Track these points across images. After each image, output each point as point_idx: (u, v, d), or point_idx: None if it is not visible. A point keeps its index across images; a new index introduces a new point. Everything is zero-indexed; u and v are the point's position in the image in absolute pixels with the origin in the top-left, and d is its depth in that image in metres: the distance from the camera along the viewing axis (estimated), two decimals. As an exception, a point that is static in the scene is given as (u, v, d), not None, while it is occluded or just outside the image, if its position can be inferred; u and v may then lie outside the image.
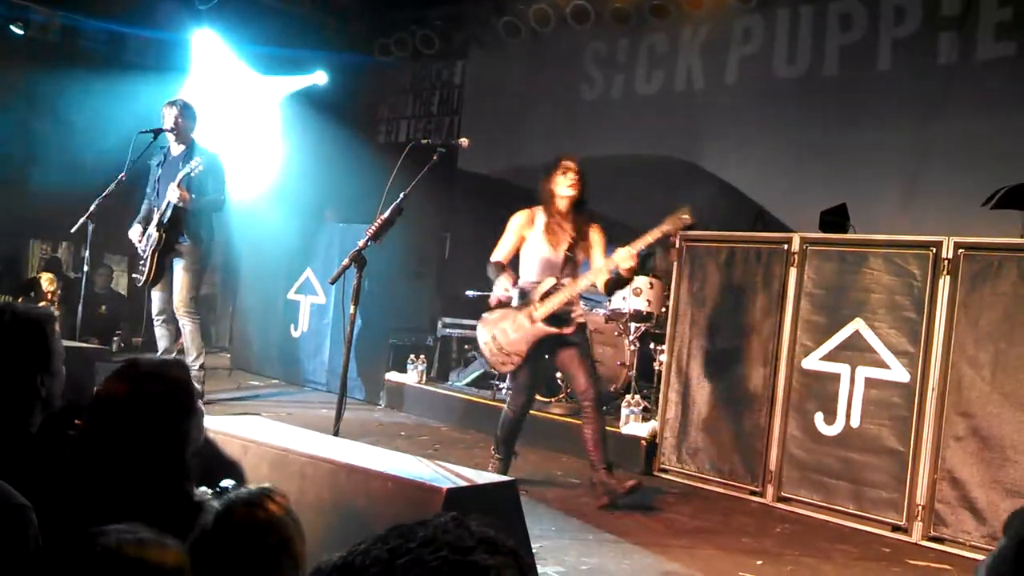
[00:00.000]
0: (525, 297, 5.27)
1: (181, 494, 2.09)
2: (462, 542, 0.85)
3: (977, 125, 7.15)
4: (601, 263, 5.18)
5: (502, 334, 5.24)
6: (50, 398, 2.45)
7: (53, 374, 2.45)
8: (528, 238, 5.33)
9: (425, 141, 5.14)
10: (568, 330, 5.21)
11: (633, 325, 7.14)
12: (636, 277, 7.04)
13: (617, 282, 5.20)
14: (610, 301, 7.26)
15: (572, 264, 5.27)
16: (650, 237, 5.01)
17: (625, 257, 4.92)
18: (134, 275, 7.42)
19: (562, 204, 5.27)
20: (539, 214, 5.33)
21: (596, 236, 5.31)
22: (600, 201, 8.33)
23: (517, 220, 5.36)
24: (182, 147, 7.08)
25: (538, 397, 7.35)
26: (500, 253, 5.36)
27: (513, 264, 5.39)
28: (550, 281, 5.20)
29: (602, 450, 5.22)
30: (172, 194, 6.89)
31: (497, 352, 5.27)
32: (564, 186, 5.23)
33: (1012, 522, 1.36)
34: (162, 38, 9.98)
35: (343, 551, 0.88)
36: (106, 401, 2.17)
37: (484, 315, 5.43)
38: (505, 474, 5.14)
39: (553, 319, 5.15)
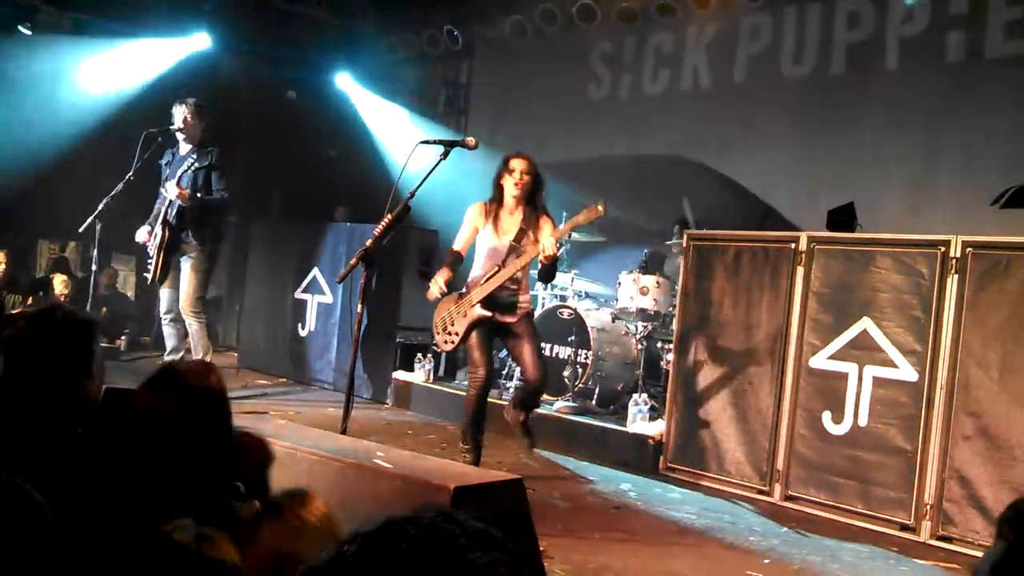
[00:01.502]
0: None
1: (224, 497, 2.09)
2: (455, 540, 0.85)
3: (985, 124, 7.13)
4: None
5: (448, 316, 5.55)
6: (88, 399, 2.45)
7: (93, 377, 2.46)
8: (481, 229, 5.56)
9: (432, 140, 5.14)
10: (510, 319, 5.47)
11: (640, 324, 7.14)
12: (644, 276, 7.07)
13: (546, 270, 5.38)
14: (617, 300, 7.26)
15: (516, 253, 5.41)
16: (567, 227, 5.48)
17: (549, 244, 5.15)
18: (144, 274, 7.45)
19: (510, 201, 5.48)
20: (492, 206, 5.54)
21: (546, 226, 5.44)
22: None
23: (471, 212, 5.60)
24: (190, 146, 7.10)
25: (545, 396, 7.40)
26: (457, 243, 5.64)
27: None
28: (493, 269, 5.45)
29: (525, 423, 5.64)
30: (171, 192, 6.91)
31: (442, 331, 5.59)
32: (510, 185, 5.42)
33: (1007, 521, 1.35)
34: (166, 39, 10.00)
35: (333, 550, 0.87)
36: (150, 413, 2.14)
37: (440, 299, 5.61)
38: (477, 465, 5.27)
39: (494, 305, 5.42)
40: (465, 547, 0.84)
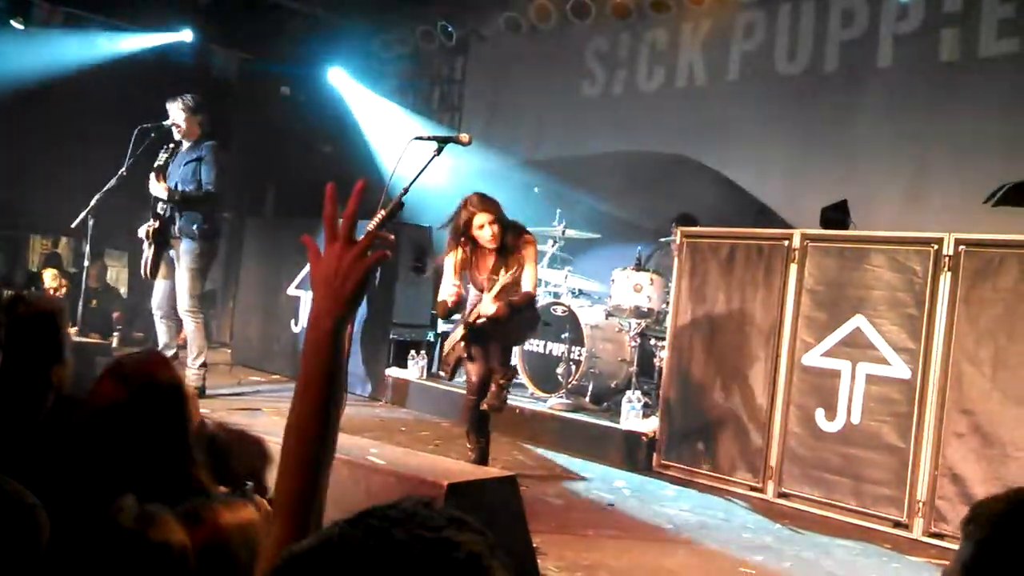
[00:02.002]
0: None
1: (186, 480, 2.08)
2: (432, 521, 0.88)
3: (978, 122, 7.14)
4: (525, 281, 5.30)
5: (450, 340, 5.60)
6: (60, 387, 2.47)
7: (64, 364, 2.48)
8: (464, 273, 5.39)
9: (425, 136, 5.12)
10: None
11: (634, 321, 7.13)
12: (638, 273, 7.05)
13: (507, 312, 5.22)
14: (611, 297, 7.26)
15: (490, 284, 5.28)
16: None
17: (487, 307, 5.13)
18: (141, 268, 7.42)
19: (487, 246, 5.30)
20: (465, 249, 5.34)
21: (528, 251, 5.33)
22: (601, 197, 8.35)
23: (449, 263, 5.36)
24: (189, 143, 7.07)
25: (539, 393, 7.41)
26: (443, 293, 5.38)
27: None
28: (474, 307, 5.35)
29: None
30: (152, 186, 6.89)
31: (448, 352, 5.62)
32: (486, 239, 5.23)
33: (971, 523, 1.35)
34: (161, 35, 9.99)
35: (315, 535, 0.90)
36: (102, 406, 2.13)
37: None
38: (483, 464, 5.24)
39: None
40: (441, 527, 0.88)
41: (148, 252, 7.01)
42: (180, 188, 6.92)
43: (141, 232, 7.11)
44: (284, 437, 1.49)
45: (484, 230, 5.19)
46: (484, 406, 5.35)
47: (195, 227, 6.98)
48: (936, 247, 5.06)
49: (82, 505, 1.70)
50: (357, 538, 0.86)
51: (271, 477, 2.31)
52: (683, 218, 7.55)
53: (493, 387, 5.35)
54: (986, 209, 6.35)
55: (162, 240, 6.99)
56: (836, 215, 6.27)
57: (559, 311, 7.52)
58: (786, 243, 5.73)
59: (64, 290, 9.27)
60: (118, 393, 2.05)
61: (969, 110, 7.23)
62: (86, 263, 7.41)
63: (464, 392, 5.65)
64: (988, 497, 1.37)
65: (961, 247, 4.97)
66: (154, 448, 2.05)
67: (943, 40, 7.47)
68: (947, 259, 5.00)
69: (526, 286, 5.29)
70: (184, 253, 6.98)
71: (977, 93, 7.23)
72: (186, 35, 10.22)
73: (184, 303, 6.99)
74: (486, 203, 5.23)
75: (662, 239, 7.97)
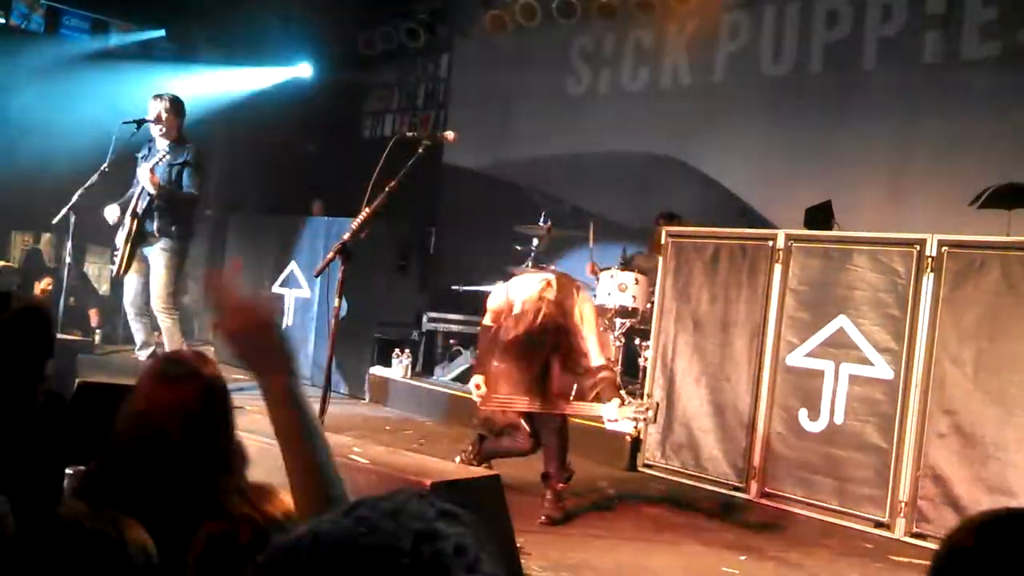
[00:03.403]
0: None
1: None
2: (424, 513, 0.88)
3: (962, 124, 7.18)
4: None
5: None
6: (47, 379, 2.50)
7: (53, 358, 2.51)
8: None
9: (411, 135, 5.12)
10: None
11: (619, 321, 7.13)
12: (623, 273, 7.04)
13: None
14: (596, 296, 7.25)
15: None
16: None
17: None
18: (111, 266, 7.35)
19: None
20: None
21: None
22: (585, 196, 8.34)
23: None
24: (167, 141, 7.01)
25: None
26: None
27: None
28: None
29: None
30: (143, 177, 6.83)
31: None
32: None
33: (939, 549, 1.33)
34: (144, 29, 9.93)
35: (306, 525, 0.90)
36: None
37: None
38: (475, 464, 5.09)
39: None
40: (432, 519, 0.87)
41: (124, 249, 6.96)
42: (166, 188, 6.87)
43: (109, 215, 6.97)
44: (291, 491, 1.50)
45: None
46: (543, 518, 4.78)
47: (173, 227, 6.94)
48: (919, 248, 5.08)
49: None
50: (347, 528, 0.86)
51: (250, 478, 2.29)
52: (667, 215, 7.57)
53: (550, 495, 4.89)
54: (968, 210, 6.39)
55: (138, 237, 6.93)
56: (820, 216, 6.30)
57: (543, 310, 7.49)
58: (770, 243, 5.75)
59: (43, 291, 9.20)
60: (192, 393, 2.03)
61: (952, 112, 7.26)
62: (68, 260, 7.34)
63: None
64: (953, 529, 1.34)
65: (944, 248, 4.99)
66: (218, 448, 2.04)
67: (927, 42, 7.51)
68: (930, 260, 5.02)
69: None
70: (160, 251, 6.93)
71: (960, 95, 7.26)
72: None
73: (159, 301, 6.93)
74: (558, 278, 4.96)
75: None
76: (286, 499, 1.77)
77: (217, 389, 2.10)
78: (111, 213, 7.01)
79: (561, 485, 4.86)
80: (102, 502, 1.76)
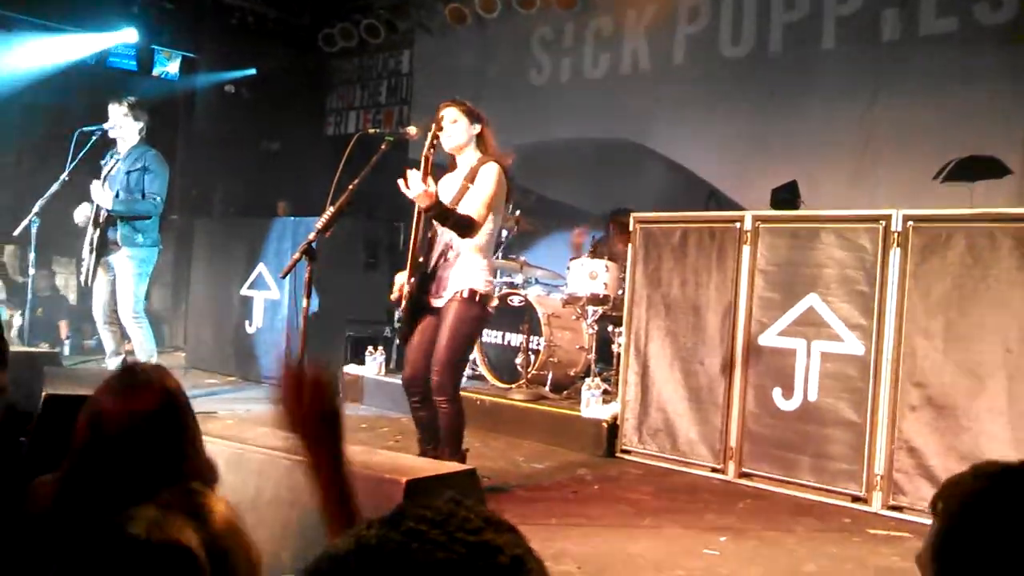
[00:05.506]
0: None
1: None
2: (470, 523, 0.88)
3: (922, 100, 7.24)
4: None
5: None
6: (3, 392, 2.46)
7: (7, 367, 2.46)
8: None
9: (373, 131, 5.09)
10: (436, 301, 4.82)
11: (591, 308, 7.14)
12: (593, 260, 7.06)
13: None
14: (567, 285, 7.25)
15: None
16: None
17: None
18: (79, 276, 7.26)
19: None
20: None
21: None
22: (551, 185, 8.34)
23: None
24: (128, 146, 6.92)
25: (499, 384, 7.40)
26: None
27: None
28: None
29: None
30: (95, 194, 6.74)
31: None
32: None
33: (940, 500, 1.36)
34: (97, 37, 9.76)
35: (351, 534, 0.89)
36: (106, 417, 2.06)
37: None
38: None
39: (422, 281, 4.87)
40: (480, 528, 0.88)
41: (90, 260, 6.87)
42: (123, 196, 6.77)
43: (78, 216, 6.89)
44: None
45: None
46: None
47: (137, 235, 6.84)
48: (884, 224, 5.11)
49: (96, 516, 1.67)
50: (397, 541, 0.85)
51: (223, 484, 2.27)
52: (619, 211, 7.59)
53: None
54: (932, 185, 6.46)
55: (101, 247, 6.83)
56: (786, 196, 6.33)
57: (516, 301, 7.50)
58: (738, 225, 5.77)
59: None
60: (148, 403, 2.01)
61: (913, 88, 7.33)
62: (31, 271, 7.24)
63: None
64: (957, 474, 1.37)
65: (909, 223, 5.03)
66: (174, 453, 2.02)
67: (884, 20, 7.56)
68: (896, 235, 5.06)
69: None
70: (125, 260, 6.83)
71: (919, 71, 7.33)
72: (129, 35, 10.01)
73: (126, 311, 6.82)
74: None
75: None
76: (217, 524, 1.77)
77: (173, 400, 2.08)
78: (80, 213, 6.90)
79: None
80: (68, 511, 1.75)
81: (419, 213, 4.70)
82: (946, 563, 1.29)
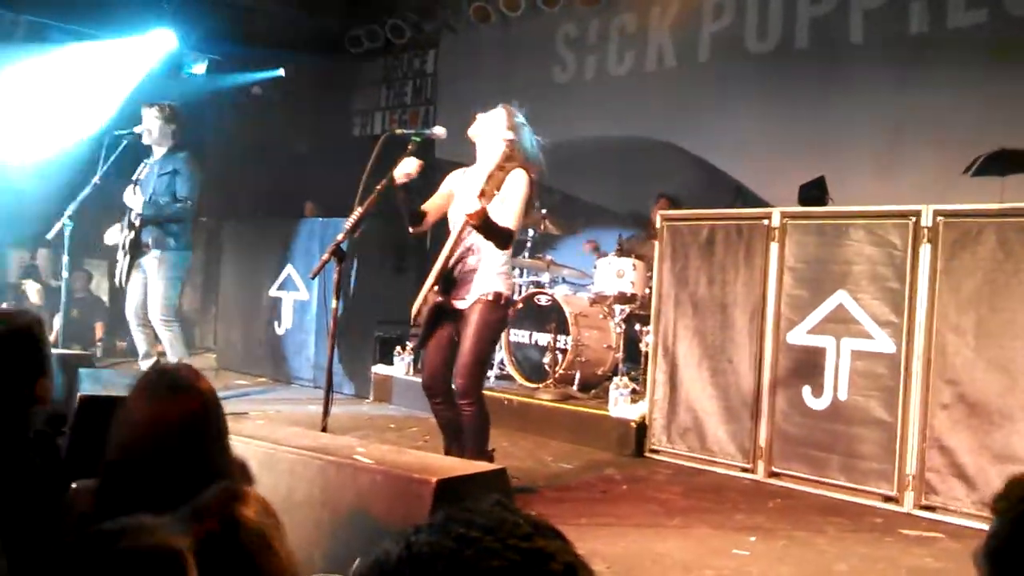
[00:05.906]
0: None
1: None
2: (519, 529, 0.87)
3: (951, 93, 7.15)
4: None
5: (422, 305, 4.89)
6: (45, 400, 2.47)
7: (48, 377, 2.47)
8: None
9: (401, 131, 5.10)
10: (460, 303, 4.75)
11: (618, 307, 7.13)
12: (620, 259, 7.06)
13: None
14: (594, 284, 7.25)
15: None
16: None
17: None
18: (113, 279, 7.35)
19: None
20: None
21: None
22: (576, 184, 8.32)
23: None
24: (162, 150, 6.99)
25: (527, 383, 7.40)
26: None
27: None
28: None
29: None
30: (127, 198, 6.83)
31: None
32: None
33: (1003, 500, 1.35)
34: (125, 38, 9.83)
35: (395, 539, 0.89)
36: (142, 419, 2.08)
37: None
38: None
39: (446, 283, 4.80)
40: (531, 534, 0.87)
41: (124, 262, 6.95)
42: (155, 200, 6.84)
43: (109, 239, 7.03)
44: None
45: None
46: None
47: (169, 238, 6.92)
48: (914, 219, 5.07)
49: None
50: (450, 548, 0.85)
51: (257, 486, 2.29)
52: (667, 197, 7.58)
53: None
54: (962, 180, 6.38)
55: (135, 249, 6.91)
56: (814, 192, 6.29)
57: (543, 300, 7.51)
58: (766, 222, 5.74)
59: (39, 304, 9.19)
60: (181, 406, 2.03)
61: (940, 81, 7.23)
62: (64, 274, 7.32)
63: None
64: (1020, 474, 1.36)
65: (939, 218, 4.98)
66: (208, 455, 2.04)
67: (912, 13, 7.48)
68: (926, 231, 5.01)
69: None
70: (157, 263, 6.91)
71: (947, 64, 7.23)
72: (159, 37, 10.07)
73: (157, 313, 6.90)
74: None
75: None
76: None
77: (205, 402, 2.10)
78: (111, 235, 7.01)
79: None
80: (107, 516, 1.76)
81: (463, 227, 4.62)
82: (1003, 563, 1.27)
